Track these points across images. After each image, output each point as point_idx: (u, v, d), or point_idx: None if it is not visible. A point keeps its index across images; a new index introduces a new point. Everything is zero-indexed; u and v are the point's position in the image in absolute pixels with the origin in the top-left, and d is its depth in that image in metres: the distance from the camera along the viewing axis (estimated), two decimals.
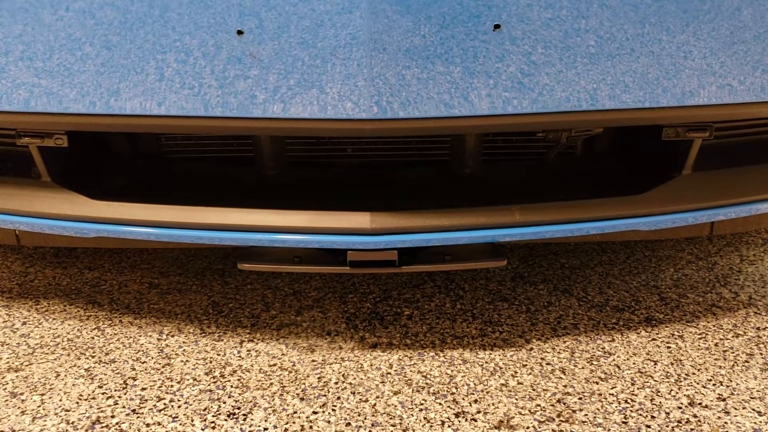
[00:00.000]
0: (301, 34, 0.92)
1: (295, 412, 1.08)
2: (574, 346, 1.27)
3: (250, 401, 1.11)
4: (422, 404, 1.10)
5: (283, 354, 1.25)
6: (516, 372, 1.19)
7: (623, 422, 1.05)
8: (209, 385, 1.15)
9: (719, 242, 1.84)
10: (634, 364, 1.21)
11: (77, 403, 1.11)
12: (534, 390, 1.13)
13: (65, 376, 1.19)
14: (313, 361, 1.22)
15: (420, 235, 1.09)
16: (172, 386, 1.15)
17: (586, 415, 1.07)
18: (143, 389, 1.14)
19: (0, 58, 0.99)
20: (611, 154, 1.36)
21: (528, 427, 1.04)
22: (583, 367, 1.20)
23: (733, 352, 1.26)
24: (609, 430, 1.04)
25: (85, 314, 1.41)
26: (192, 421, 1.06)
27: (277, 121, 0.97)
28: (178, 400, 1.11)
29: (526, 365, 1.21)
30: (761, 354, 1.25)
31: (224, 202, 1.12)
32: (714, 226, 1.45)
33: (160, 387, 1.15)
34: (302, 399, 1.11)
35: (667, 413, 1.08)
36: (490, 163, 1.35)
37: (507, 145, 1.35)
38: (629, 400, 1.11)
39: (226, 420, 1.06)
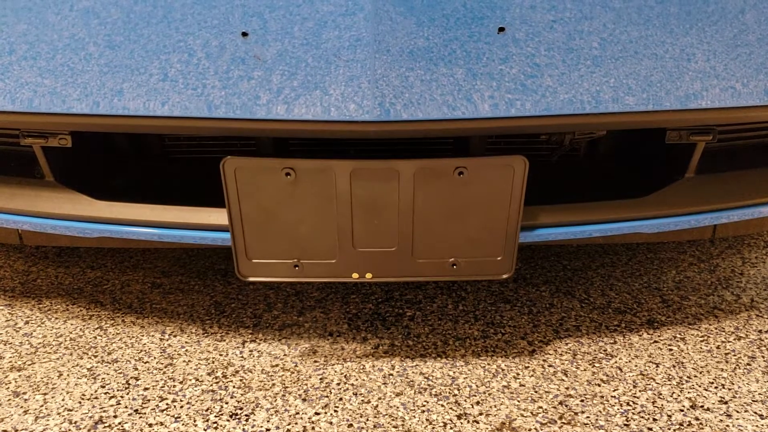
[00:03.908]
0: (305, 36, 0.92)
1: (297, 413, 1.08)
2: (576, 348, 1.27)
3: (253, 402, 1.11)
4: (424, 406, 1.10)
5: (285, 354, 1.25)
6: (518, 374, 1.19)
7: (625, 425, 1.05)
8: (211, 385, 1.15)
9: (721, 244, 1.84)
10: (636, 366, 1.21)
11: (80, 402, 1.11)
12: (536, 392, 1.13)
13: (68, 375, 1.19)
14: (315, 361, 1.23)
15: None
16: (174, 386, 1.15)
17: (588, 417, 1.07)
18: (146, 389, 1.15)
19: (4, 57, 0.99)
20: (614, 156, 1.36)
21: (530, 429, 1.04)
22: (585, 369, 1.20)
23: (735, 355, 1.26)
24: None
25: (88, 314, 1.41)
26: (194, 421, 1.06)
27: (281, 122, 0.97)
28: (181, 401, 1.11)
29: (528, 367, 1.21)
30: (763, 357, 1.25)
31: None
32: (716, 228, 1.45)
33: (162, 387, 1.15)
34: (304, 400, 1.11)
35: (669, 416, 1.08)
36: None
37: (510, 147, 1.35)
38: (631, 403, 1.11)
39: (228, 420, 1.06)
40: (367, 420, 1.06)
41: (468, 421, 1.06)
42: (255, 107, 0.97)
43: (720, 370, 1.21)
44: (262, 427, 1.05)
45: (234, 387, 1.15)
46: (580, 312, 1.42)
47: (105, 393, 1.13)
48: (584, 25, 0.94)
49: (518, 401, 1.11)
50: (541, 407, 1.09)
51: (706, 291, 1.53)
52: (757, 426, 1.06)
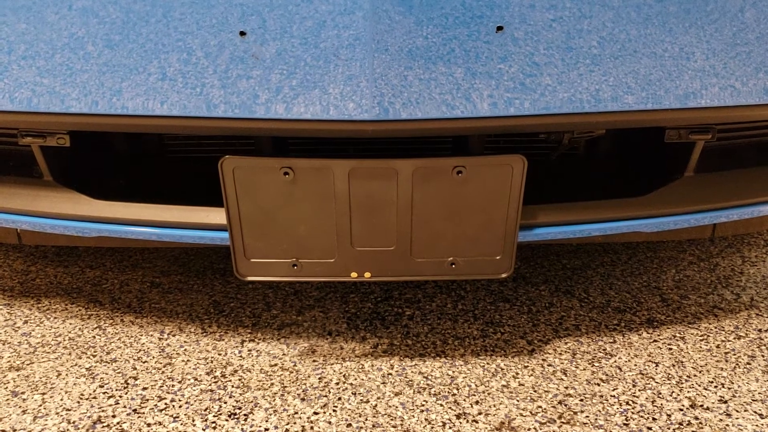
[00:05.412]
0: (303, 35, 0.92)
1: (296, 413, 1.08)
2: (575, 348, 1.27)
3: (251, 401, 1.11)
4: (423, 405, 1.10)
5: (284, 354, 1.25)
6: (517, 373, 1.19)
7: (624, 424, 1.05)
8: (210, 385, 1.15)
9: (721, 243, 1.83)
10: (635, 365, 1.21)
11: (78, 402, 1.11)
12: (535, 391, 1.13)
13: (66, 375, 1.19)
14: (314, 361, 1.22)
15: None
16: (173, 386, 1.15)
17: (587, 416, 1.07)
18: (144, 389, 1.14)
19: (2, 57, 0.99)
20: (614, 155, 1.36)
21: (529, 429, 1.04)
22: (584, 369, 1.20)
23: (734, 354, 1.26)
24: None
25: (87, 313, 1.41)
26: (193, 421, 1.06)
27: (279, 122, 0.97)
28: (179, 400, 1.11)
29: (528, 366, 1.21)
30: (763, 356, 1.25)
31: None
32: (716, 227, 1.44)
33: (161, 387, 1.15)
34: (303, 399, 1.11)
35: (669, 415, 1.08)
36: None
37: (509, 146, 1.35)
38: (630, 402, 1.11)
39: (227, 420, 1.06)
40: (366, 419, 1.06)
41: (467, 421, 1.06)
42: (254, 106, 0.96)
43: (720, 370, 1.21)
44: (260, 426, 1.05)
45: (233, 386, 1.15)
46: (579, 311, 1.42)
47: (103, 393, 1.13)
48: (583, 23, 0.94)
49: (517, 401, 1.11)
50: (540, 407, 1.09)
51: (705, 290, 1.53)
52: (756, 425, 1.05)
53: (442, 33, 0.92)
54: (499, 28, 0.92)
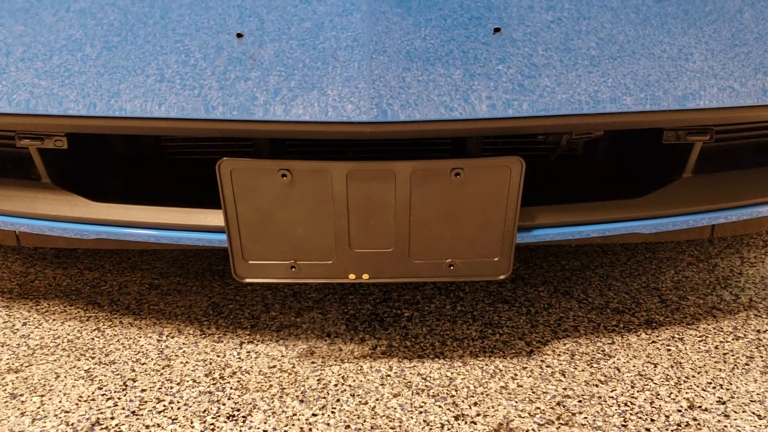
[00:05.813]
0: (301, 36, 0.92)
1: (295, 414, 1.08)
2: (574, 349, 1.27)
3: (250, 403, 1.11)
4: (422, 407, 1.10)
5: (282, 356, 1.25)
6: (516, 374, 1.19)
7: (623, 425, 1.05)
8: (209, 386, 1.15)
9: (720, 244, 1.84)
10: (634, 366, 1.21)
11: (77, 404, 1.11)
12: (534, 393, 1.13)
13: (65, 377, 1.19)
14: (312, 362, 1.22)
15: None
16: (171, 388, 1.15)
17: (585, 418, 1.07)
18: (143, 391, 1.14)
19: (0, 59, 0.99)
20: (612, 156, 1.36)
21: (527, 430, 1.04)
22: (583, 370, 1.20)
23: (733, 355, 1.26)
24: None
25: (86, 315, 1.41)
26: (191, 423, 1.06)
27: (278, 123, 0.97)
28: (178, 402, 1.11)
29: (526, 368, 1.21)
30: (761, 357, 1.25)
31: None
32: (715, 228, 1.44)
33: (159, 388, 1.15)
34: (302, 401, 1.11)
35: (667, 416, 1.08)
36: None
37: (507, 147, 1.35)
38: (629, 403, 1.11)
39: (225, 422, 1.06)
40: (365, 421, 1.06)
41: (465, 422, 1.06)
42: (252, 108, 0.96)
43: (718, 371, 1.21)
44: (259, 428, 1.05)
45: (231, 388, 1.15)
46: (578, 312, 1.42)
47: (102, 395, 1.13)
48: (581, 24, 0.94)
49: (516, 402, 1.11)
50: (538, 408, 1.09)
51: (704, 291, 1.53)
52: (755, 426, 1.05)
53: (440, 34, 0.92)
54: (497, 30, 0.92)
